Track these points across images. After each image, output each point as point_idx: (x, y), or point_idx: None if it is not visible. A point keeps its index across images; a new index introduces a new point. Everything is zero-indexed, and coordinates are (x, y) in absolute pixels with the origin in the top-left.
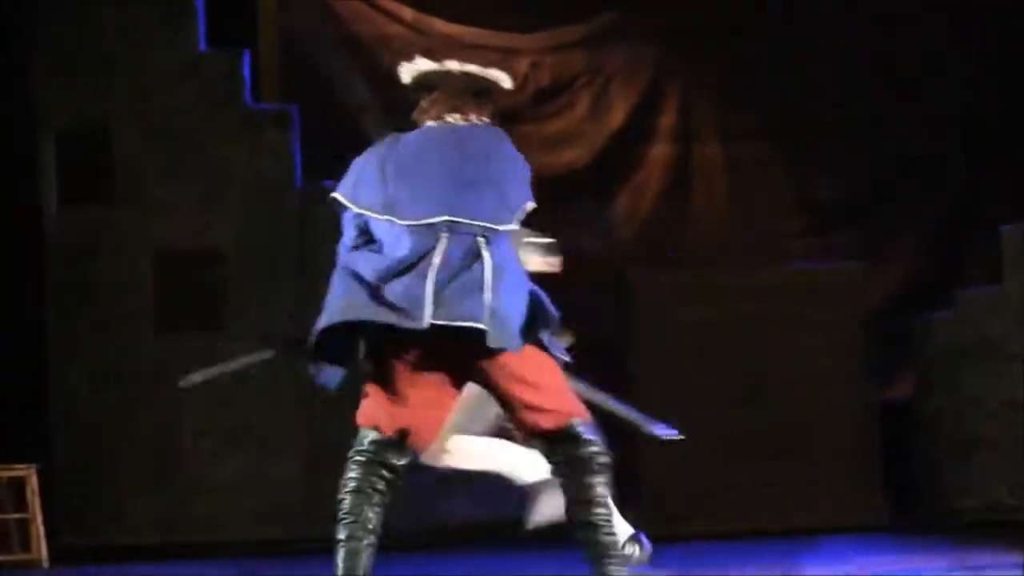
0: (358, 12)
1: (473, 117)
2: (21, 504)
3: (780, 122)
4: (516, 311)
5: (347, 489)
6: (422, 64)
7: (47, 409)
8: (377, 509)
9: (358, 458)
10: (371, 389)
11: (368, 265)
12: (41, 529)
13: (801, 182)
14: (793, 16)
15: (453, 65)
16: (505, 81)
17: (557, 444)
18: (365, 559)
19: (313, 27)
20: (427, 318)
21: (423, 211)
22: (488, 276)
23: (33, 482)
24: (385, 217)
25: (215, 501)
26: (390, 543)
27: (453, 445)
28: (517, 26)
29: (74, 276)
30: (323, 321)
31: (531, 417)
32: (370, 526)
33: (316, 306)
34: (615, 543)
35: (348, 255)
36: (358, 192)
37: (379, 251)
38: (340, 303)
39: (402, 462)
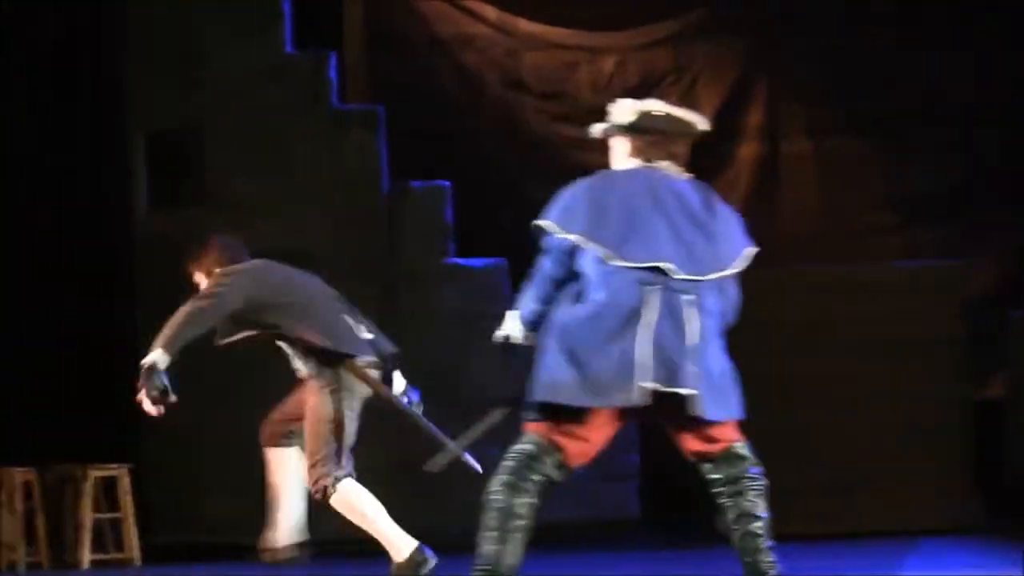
0: (442, 12)
1: (682, 167)
2: (114, 504)
3: (871, 115)
4: (725, 374)
5: (499, 484)
6: (645, 105)
7: (138, 410)
8: (527, 504)
9: (515, 458)
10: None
11: (582, 333)
12: (134, 528)
13: (894, 177)
14: (882, 7)
15: (673, 110)
16: (703, 124)
17: (720, 464)
18: (512, 549)
19: (398, 28)
20: (636, 394)
21: (639, 254)
22: (699, 336)
23: (125, 482)
24: (599, 249)
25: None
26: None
27: None
28: (603, 24)
29: (163, 277)
30: (539, 395)
31: (701, 447)
32: (520, 516)
33: (406, 307)
34: (771, 552)
35: (563, 315)
36: (569, 220)
37: (588, 295)
38: (554, 382)
39: (554, 474)
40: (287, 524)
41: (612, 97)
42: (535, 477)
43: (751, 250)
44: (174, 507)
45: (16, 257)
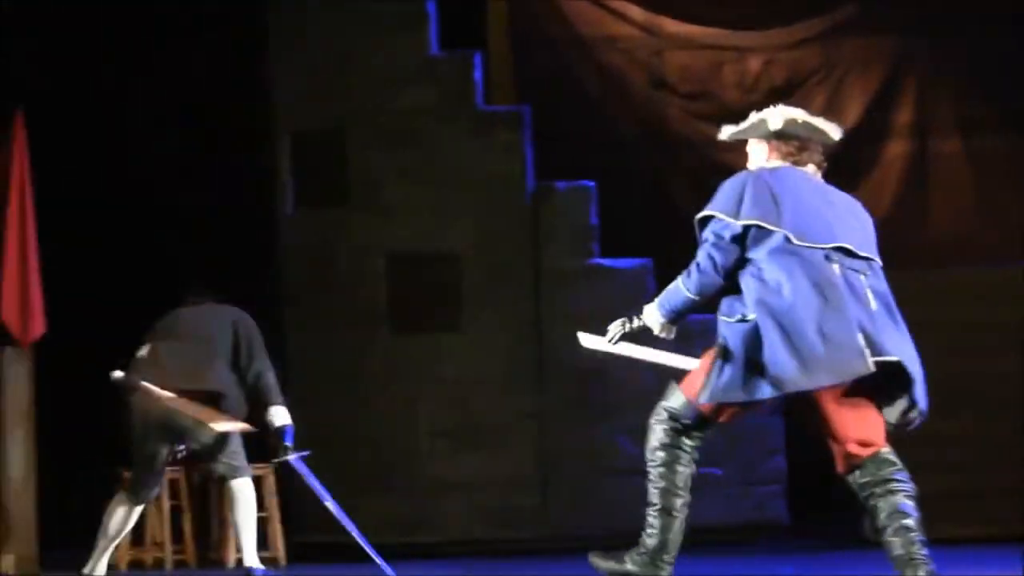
0: (587, 13)
1: (821, 174)
2: (259, 503)
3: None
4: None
5: (656, 451)
6: (790, 112)
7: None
8: (685, 469)
9: (664, 423)
10: (705, 364)
11: (789, 317)
12: (279, 528)
13: None
14: None
15: (813, 119)
16: (837, 134)
17: (868, 467)
18: (678, 528)
19: (542, 28)
20: (864, 366)
21: (820, 235)
22: (879, 313)
23: (270, 482)
24: (782, 232)
25: (449, 501)
26: (620, 543)
27: None
28: (749, 24)
29: (309, 278)
30: (767, 392)
31: (854, 449)
32: (680, 486)
33: (550, 308)
34: (924, 546)
35: (762, 303)
36: (743, 207)
37: (772, 280)
38: (776, 373)
39: (703, 432)
40: None
41: (758, 97)
42: (686, 442)
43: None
44: (320, 507)
45: (162, 258)
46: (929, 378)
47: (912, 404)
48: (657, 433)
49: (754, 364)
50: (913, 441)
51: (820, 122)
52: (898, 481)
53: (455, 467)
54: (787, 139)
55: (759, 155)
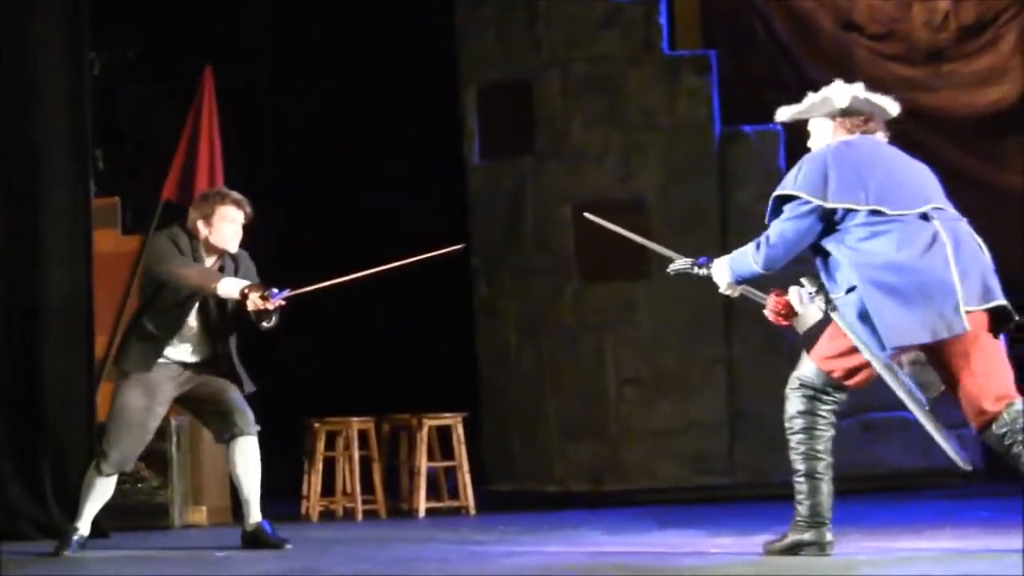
0: None
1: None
2: (449, 452)
3: None
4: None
5: (794, 418)
6: (853, 89)
7: (474, 358)
8: (824, 432)
9: (798, 391)
10: (832, 334)
11: (899, 277)
12: (468, 477)
13: None
14: None
15: (872, 95)
16: (896, 111)
17: (1004, 418)
18: (825, 490)
19: None
20: (964, 322)
21: (910, 201)
22: (987, 255)
23: (459, 431)
24: (870, 207)
25: (638, 449)
26: None
27: None
28: None
29: (498, 228)
30: (888, 342)
31: (989, 406)
32: (821, 450)
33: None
34: None
35: (867, 268)
36: (830, 188)
37: (875, 246)
38: (894, 328)
39: (837, 396)
40: None
41: (948, 35)
42: (823, 408)
43: None
44: (509, 456)
45: (351, 206)
46: None
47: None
48: (793, 402)
49: (870, 327)
50: None
51: (879, 98)
52: None
53: (645, 415)
54: (853, 115)
55: (823, 133)
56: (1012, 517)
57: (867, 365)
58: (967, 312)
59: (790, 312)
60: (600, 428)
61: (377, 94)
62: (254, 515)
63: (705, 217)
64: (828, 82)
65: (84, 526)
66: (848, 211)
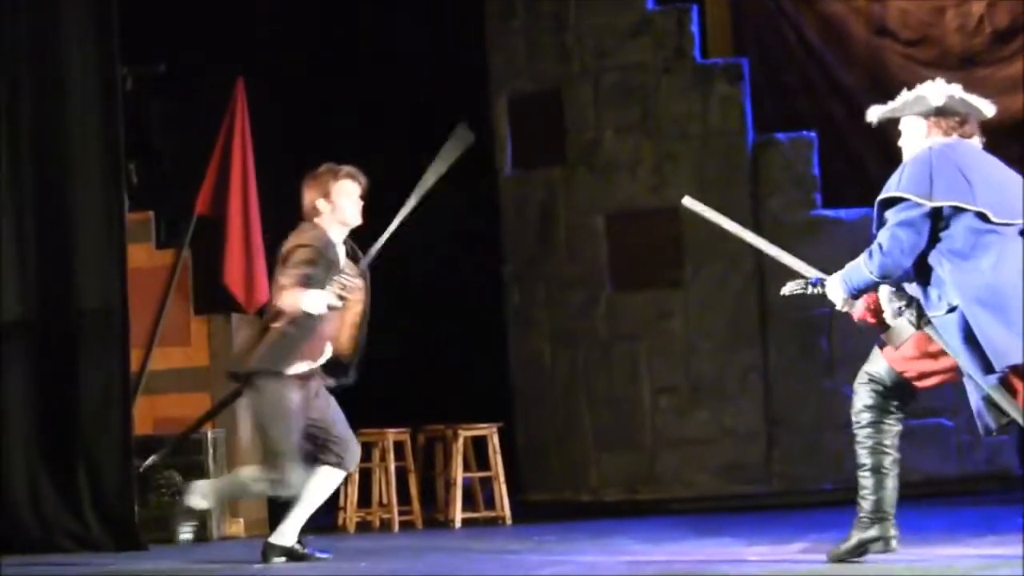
0: None
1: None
2: (484, 463)
3: None
4: None
5: (862, 412)
6: (949, 88)
7: (508, 368)
8: (892, 427)
9: (867, 386)
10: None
11: (1004, 292)
12: (504, 487)
13: None
14: None
15: (967, 95)
16: (991, 111)
17: None
18: (891, 485)
19: None
20: None
21: (1012, 212)
22: None
23: (494, 441)
24: (975, 208)
25: (674, 457)
26: (848, 495)
27: None
28: None
29: (530, 237)
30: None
31: None
32: (888, 445)
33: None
34: None
35: (973, 283)
36: (935, 188)
37: (974, 256)
38: (1003, 347)
39: (907, 396)
40: None
41: (981, 40)
42: (894, 407)
43: None
44: (544, 466)
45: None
46: None
47: None
48: (862, 396)
49: (974, 347)
50: None
51: (975, 99)
52: None
53: (680, 423)
54: (948, 115)
55: (917, 132)
56: None
57: (942, 371)
58: None
59: (879, 309)
60: (635, 437)
61: (408, 104)
62: (292, 537)
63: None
64: (863, 88)
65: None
66: (953, 215)
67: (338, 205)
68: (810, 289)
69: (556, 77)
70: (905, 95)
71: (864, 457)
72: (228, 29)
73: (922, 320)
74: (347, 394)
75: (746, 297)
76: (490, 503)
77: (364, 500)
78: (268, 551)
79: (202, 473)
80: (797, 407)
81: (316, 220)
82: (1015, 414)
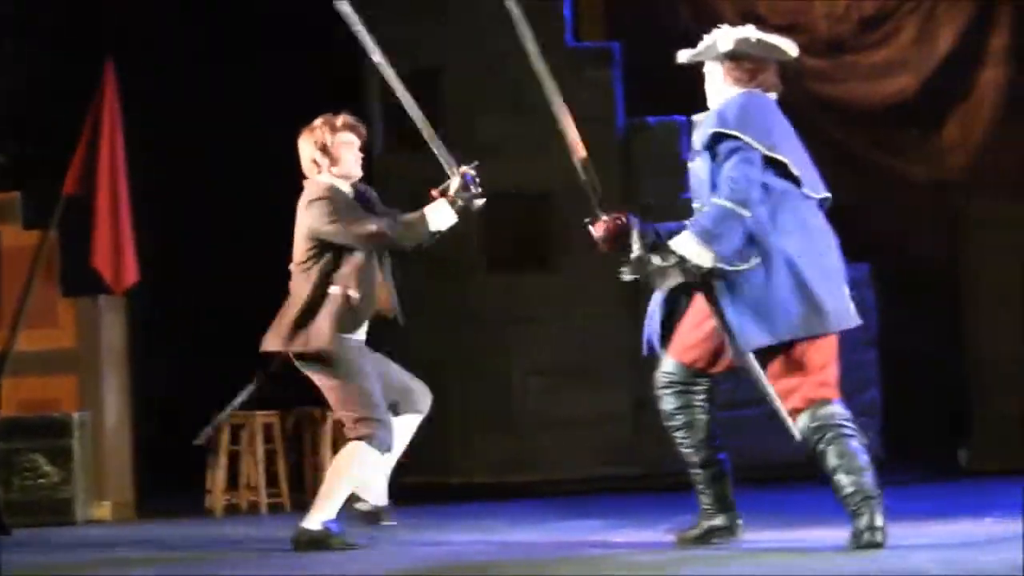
0: None
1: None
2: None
3: None
4: None
5: (672, 416)
6: (742, 31)
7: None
8: (703, 417)
9: (667, 388)
10: (694, 322)
11: (803, 262)
12: None
13: None
14: None
15: (766, 36)
16: (795, 51)
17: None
18: (722, 473)
19: None
20: (857, 317)
21: (818, 185)
22: None
23: None
24: (796, 172)
25: (546, 440)
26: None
27: None
28: None
29: None
30: (779, 333)
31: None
32: (706, 438)
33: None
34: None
35: (779, 247)
36: (775, 141)
37: (788, 222)
38: (793, 318)
39: (706, 382)
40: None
41: (849, 27)
42: (699, 399)
43: None
44: (414, 449)
45: (246, 199)
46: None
47: None
48: (665, 400)
49: (766, 309)
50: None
51: (775, 39)
52: (847, 426)
53: (550, 405)
54: (740, 60)
55: (716, 78)
56: (912, 507)
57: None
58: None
59: (616, 239)
60: (505, 419)
61: (281, 82)
62: (382, 496)
63: (610, 208)
64: None
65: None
66: (768, 171)
67: (337, 158)
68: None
69: (431, 59)
70: (706, 39)
71: (691, 456)
72: (97, 10)
73: (705, 276)
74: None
75: (617, 280)
76: None
77: (232, 483)
78: (382, 514)
79: (67, 456)
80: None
81: (316, 176)
82: (765, 389)
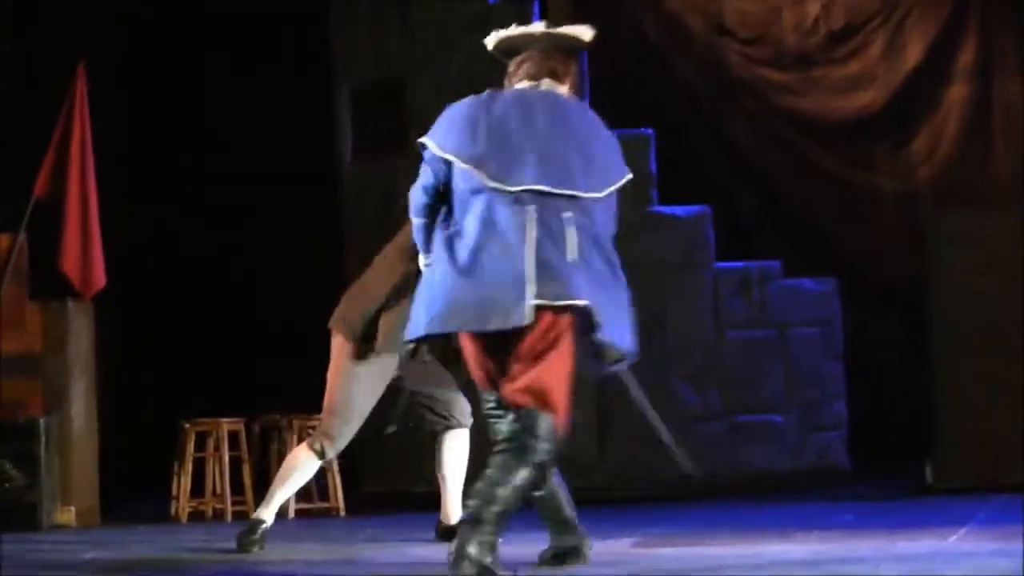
0: None
1: (567, 81)
2: None
3: None
4: (620, 303)
5: (498, 445)
6: (509, 31)
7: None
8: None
9: (493, 417)
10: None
11: (470, 257)
12: (338, 478)
13: None
14: None
15: (539, 28)
16: (586, 34)
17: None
18: (562, 495)
19: None
20: (527, 316)
21: (516, 177)
22: (578, 253)
23: None
24: (473, 171)
25: None
26: (682, 491)
27: None
28: None
29: (368, 225)
30: (427, 328)
31: (517, 398)
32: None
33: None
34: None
35: (446, 241)
36: (449, 139)
37: (466, 217)
38: (443, 310)
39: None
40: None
41: (817, 40)
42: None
43: (628, 176)
44: (379, 457)
45: (224, 206)
46: (995, 318)
47: (605, 346)
48: (492, 428)
49: (417, 308)
50: (998, 384)
51: (552, 29)
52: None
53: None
54: (509, 57)
55: (508, 75)
56: (876, 521)
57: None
58: (535, 306)
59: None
60: (472, 429)
61: (250, 91)
62: (456, 514)
63: None
64: (701, 85)
65: (271, 516)
66: (456, 171)
67: None
68: None
69: (398, 67)
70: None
71: (517, 482)
72: (70, 12)
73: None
74: (184, 383)
75: None
76: (324, 494)
77: (197, 490)
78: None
79: (35, 462)
80: (629, 402)
81: None
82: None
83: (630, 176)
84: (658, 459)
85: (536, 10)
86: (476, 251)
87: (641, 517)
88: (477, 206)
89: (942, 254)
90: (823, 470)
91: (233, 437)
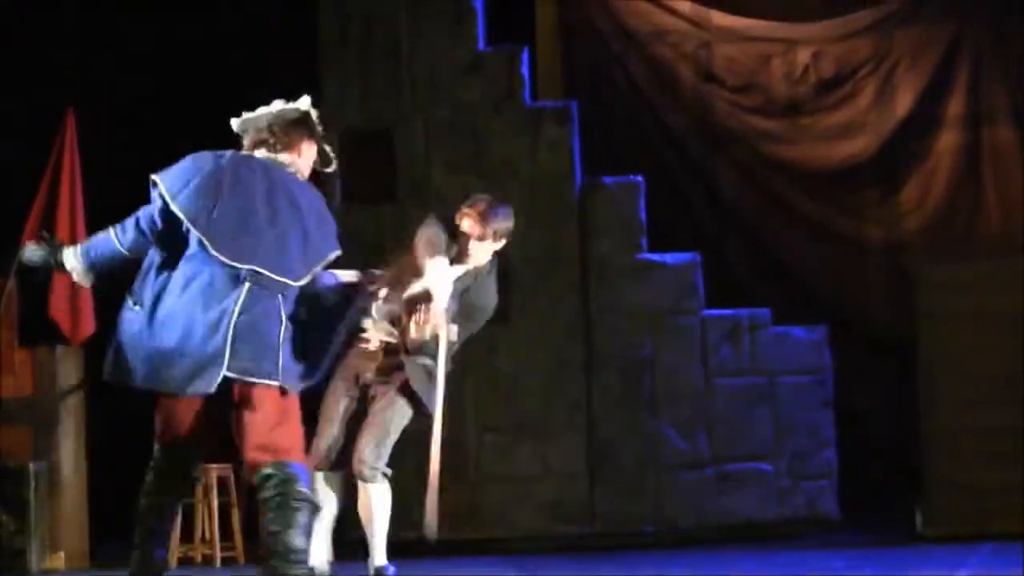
0: (634, 7)
1: (283, 152)
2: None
3: None
4: (295, 362)
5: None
6: (253, 112)
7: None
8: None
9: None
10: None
11: (174, 312)
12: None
13: None
14: None
15: (263, 110)
16: (304, 104)
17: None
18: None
19: (590, 22)
20: (214, 384)
21: (235, 253)
22: (282, 334)
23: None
24: (202, 237)
25: (497, 496)
26: (668, 538)
27: None
28: (800, 16)
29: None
30: (126, 377)
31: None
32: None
33: (598, 303)
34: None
35: (155, 291)
36: (183, 192)
37: (184, 273)
38: (142, 366)
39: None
40: None
41: (806, 89)
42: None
43: (336, 254)
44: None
45: None
46: (983, 369)
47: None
48: None
49: (125, 351)
50: (978, 434)
51: (266, 109)
52: (300, 498)
53: (504, 461)
54: (245, 135)
55: None
56: (867, 569)
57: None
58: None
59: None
60: (459, 474)
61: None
62: (380, 557)
63: (565, 266)
64: (690, 133)
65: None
66: (184, 227)
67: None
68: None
69: (388, 113)
70: None
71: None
72: (58, 60)
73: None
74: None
75: (572, 335)
76: (227, 537)
77: (187, 536)
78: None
79: (24, 507)
80: (620, 447)
81: None
82: None
83: (338, 252)
84: (647, 508)
85: (526, 58)
86: (175, 314)
87: (630, 565)
88: (192, 271)
89: (930, 303)
90: (812, 519)
91: (222, 483)
